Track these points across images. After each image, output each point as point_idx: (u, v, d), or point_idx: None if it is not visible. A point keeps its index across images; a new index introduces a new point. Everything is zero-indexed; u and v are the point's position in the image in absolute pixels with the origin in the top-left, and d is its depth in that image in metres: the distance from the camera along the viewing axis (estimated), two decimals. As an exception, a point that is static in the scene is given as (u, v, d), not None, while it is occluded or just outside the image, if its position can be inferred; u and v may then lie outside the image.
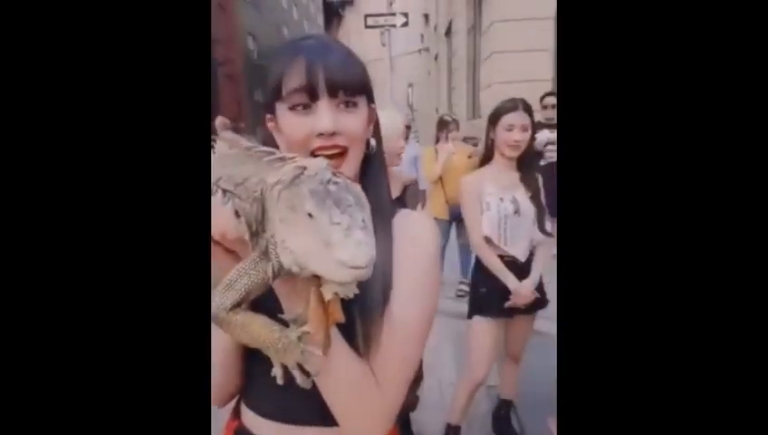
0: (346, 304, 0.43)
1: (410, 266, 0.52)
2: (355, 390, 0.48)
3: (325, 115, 0.49)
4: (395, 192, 1.68)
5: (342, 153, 0.51)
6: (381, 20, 7.29)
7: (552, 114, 3.03)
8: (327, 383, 0.47)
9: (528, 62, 5.16)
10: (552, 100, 3.00)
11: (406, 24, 7.41)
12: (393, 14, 7.30)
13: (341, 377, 0.47)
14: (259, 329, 0.41)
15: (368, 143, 0.55)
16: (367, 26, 7.41)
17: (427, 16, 13.52)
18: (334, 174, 0.38)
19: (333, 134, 0.49)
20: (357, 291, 0.39)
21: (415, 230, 0.55)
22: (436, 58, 12.15)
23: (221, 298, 0.41)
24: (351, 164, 0.52)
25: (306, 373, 0.41)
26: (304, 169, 0.37)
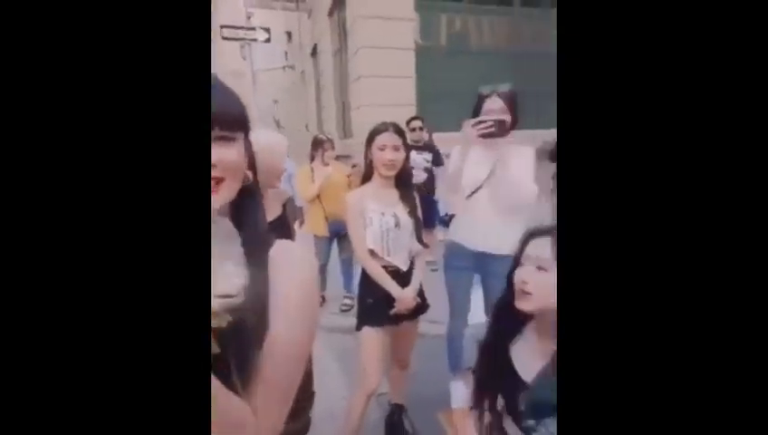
0: (221, 343, 0.44)
1: (287, 298, 0.53)
2: (232, 429, 0.48)
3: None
4: (276, 211, 1.65)
5: (220, 184, 0.52)
6: (241, 33, 7.01)
7: (419, 136, 3.36)
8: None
9: (394, 88, 5.60)
10: (418, 123, 3.33)
11: (268, 41, 7.28)
12: (253, 29, 7.11)
13: (217, 420, 0.45)
14: None
15: (245, 176, 0.56)
16: (223, 38, 7.03)
17: (289, 34, 13.52)
18: None
19: (213, 165, 0.50)
20: (230, 318, 0.39)
21: (291, 261, 0.56)
22: (303, 75, 12.21)
23: None
24: (225, 194, 0.53)
25: None
26: None
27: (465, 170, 1.79)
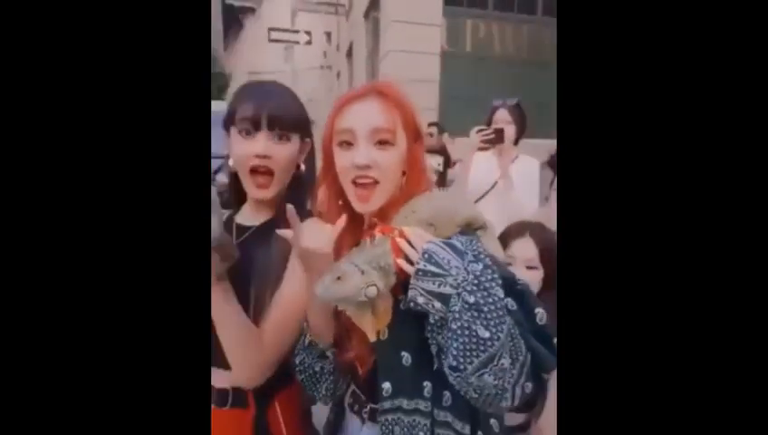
0: (247, 288, 0.66)
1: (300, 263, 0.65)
2: (243, 345, 0.64)
3: (261, 142, 0.67)
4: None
5: (270, 178, 0.68)
6: (285, 36, 7.47)
7: (433, 142, 3.62)
8: (225, 337, 0.63)
9: (418, 91, 5.84)
10: (434, 128, 3.57)
11: (309, 43, 7.71)
12: (297, 32, 7.54)
13: (235, 334, 0.64)
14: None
15: (298, 167, 0.73)
16: (270, 40, 7.54)
17: (329, 34, 13.96)
18: None
19: (266, 156, 0.67)
20: (235, 252, 0.60)
21: (312, 234, 0.64)
22: (338, 76, 12.60)
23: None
24: (277, 184, 0.71)
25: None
26: None
27: (471, 176, 1.90)
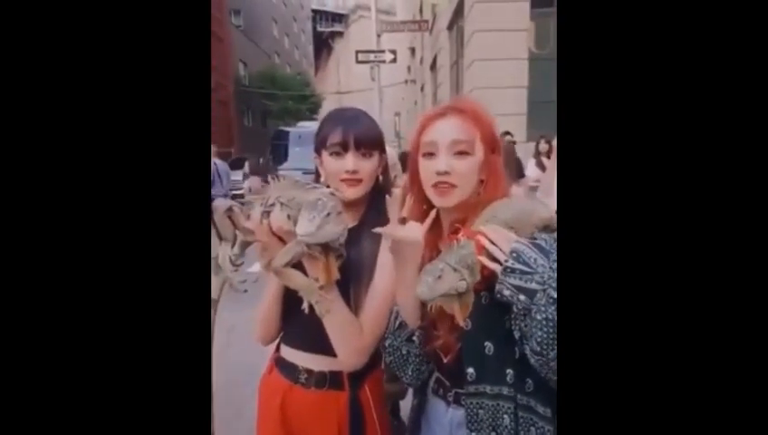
0: (346, 285, 0.76)
1: (388, 261, 0.75)
2: (347, 334, 0.76)
3: (351, 161, 0.80)
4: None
5: (359, 183, 0.82)
6: (371, 56, 7.83)
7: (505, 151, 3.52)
8: (331, 329, 0.76)
9: (506, 98, 5.68)
10: (508, 137, 3.49)
11: (394, 61, 7.98)
12: (382, 51, 7.86)
13: (339, 325, 0.76)
14: (298, 278, 0.73)
15: (377, 178, 0.85)
16: (358, 61, 7.97)
17: (413, 50, 14.31)
18: (332, 193, 0.71)
19: (355, 172, 0.80)
20: (344, 253, 0.72)
21: (406, 228, 0.72)
22: (422, 89, 12.82)
23: (279, 260, 0.72)
24: (363, 190, 0.83)
25: (320, 309, 0.73)
26: (323, 194, 0.70)
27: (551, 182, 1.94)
